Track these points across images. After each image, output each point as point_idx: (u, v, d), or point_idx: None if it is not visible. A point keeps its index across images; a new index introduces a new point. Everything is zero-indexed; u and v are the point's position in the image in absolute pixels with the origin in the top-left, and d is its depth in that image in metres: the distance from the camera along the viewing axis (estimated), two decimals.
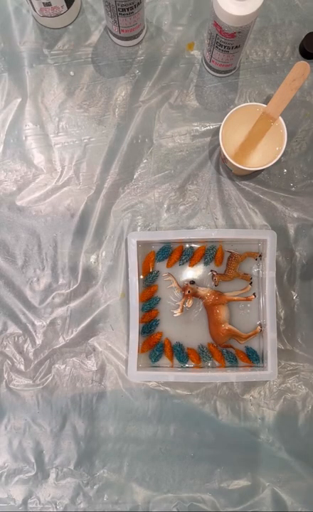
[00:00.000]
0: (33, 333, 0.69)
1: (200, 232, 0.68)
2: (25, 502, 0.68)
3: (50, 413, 0.69)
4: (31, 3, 0.64)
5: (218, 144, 0.63)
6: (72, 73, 0.70)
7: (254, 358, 0.67)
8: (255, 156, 0.62)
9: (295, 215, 0.69)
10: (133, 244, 0.66)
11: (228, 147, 0.62)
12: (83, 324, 0.69)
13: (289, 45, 0.70)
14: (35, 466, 0.69)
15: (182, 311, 0.68)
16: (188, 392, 0.69)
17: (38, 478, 0.69)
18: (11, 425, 0.69)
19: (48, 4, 0.64)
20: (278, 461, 0.68)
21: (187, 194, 0.70)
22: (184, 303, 0.67)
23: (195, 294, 0.67)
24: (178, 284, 0.68)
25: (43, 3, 0.64)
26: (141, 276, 0.68)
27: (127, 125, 0.70)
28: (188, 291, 0.67)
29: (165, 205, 0.70)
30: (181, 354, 0.67)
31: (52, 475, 0.69)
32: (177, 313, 0.68)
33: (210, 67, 0.68)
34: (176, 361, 0.68)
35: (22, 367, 0.69)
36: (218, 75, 0.70)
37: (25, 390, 0.69)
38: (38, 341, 0.69)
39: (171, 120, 0.70)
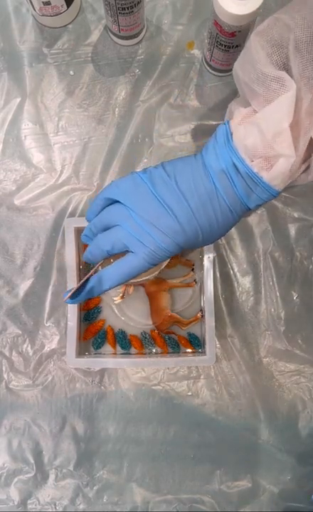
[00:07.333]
0: (33, 333, 0.69)
1: None
2: (24, 503, 0.68)
3: (50, 413, 0.69)
4: (31, 2, 0.64)
5: None
6: (71, 72, 0.70)
7: (196, 344, 0.67)
8: None
9: (295, 215, 0.69)
10: (70, 231, 0.65)
11: None
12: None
13: None
14: (34, 467, 0.68)
15: (122, 297, 0.67)
16: (189, 392, 0.68)
17: (37, 479, 0.68)
18: (10, 425, 0.69)
19: (48, 3, 0.64)
20: (278, 462, 0.68)
21: None
22: (125, 290, 0.67)
23: None
24: None
25: (43, 2, 0.63)
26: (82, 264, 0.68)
27: (127, 124, 0.70)
28: None
29: None
30: (123, 341, 0.67)
31: (52, 476, 0.68)
32: (117, 299, 0.67)
33: (211, 67, 0.68)
34: (119, 348, 0.68)
35: (22, 367, 0.69)
36: (218, 74, 0.69)
37: (25, 390, 0.69)
38: (38, 341, 0.69)
39: (171, 119, 0.70)
